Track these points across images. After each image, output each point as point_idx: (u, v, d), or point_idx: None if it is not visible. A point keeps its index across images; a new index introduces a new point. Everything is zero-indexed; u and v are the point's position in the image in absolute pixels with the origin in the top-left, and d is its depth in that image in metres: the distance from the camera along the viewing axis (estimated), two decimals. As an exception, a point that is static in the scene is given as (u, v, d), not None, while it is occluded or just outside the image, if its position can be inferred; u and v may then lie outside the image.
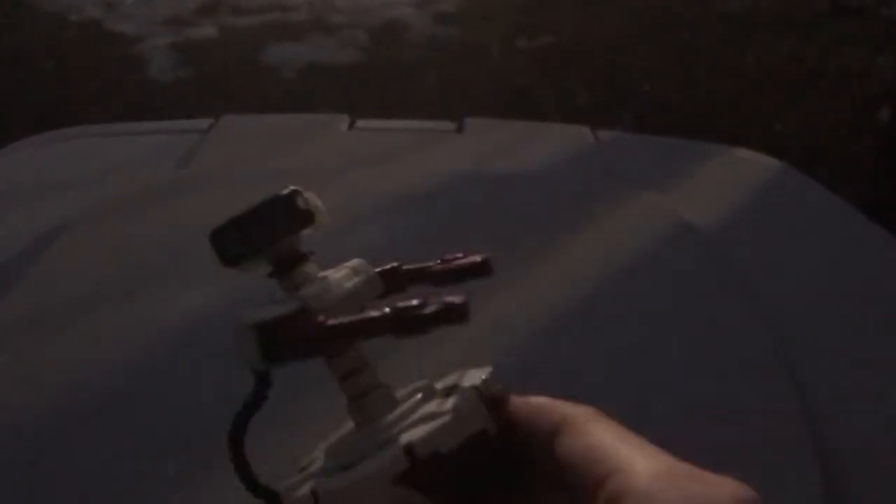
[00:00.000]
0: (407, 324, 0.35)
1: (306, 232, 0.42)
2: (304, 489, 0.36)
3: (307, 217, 0.40)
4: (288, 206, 0.40)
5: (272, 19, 6.13)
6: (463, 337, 0.71)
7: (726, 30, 5.96)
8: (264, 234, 0.40)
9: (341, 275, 0.42)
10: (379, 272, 0.43)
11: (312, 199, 0.41)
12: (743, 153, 1.59)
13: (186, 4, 6.16)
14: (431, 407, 0.37)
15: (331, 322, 0.36)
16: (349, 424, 0.39)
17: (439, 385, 0.39)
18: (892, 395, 1.03)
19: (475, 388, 0.36)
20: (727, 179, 1.47)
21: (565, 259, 1.20)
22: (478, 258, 0.42)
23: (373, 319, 0.36)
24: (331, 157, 1.51)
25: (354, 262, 0.43)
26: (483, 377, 0.37)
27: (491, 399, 0.36)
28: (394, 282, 0.43)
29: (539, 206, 1.32)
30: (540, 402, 0.36)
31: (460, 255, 0.43)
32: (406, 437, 0.35)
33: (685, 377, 0.98)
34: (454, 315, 0.35)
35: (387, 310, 0.36)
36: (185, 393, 0.94)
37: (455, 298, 0.36)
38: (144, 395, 0.94)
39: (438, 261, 0.43)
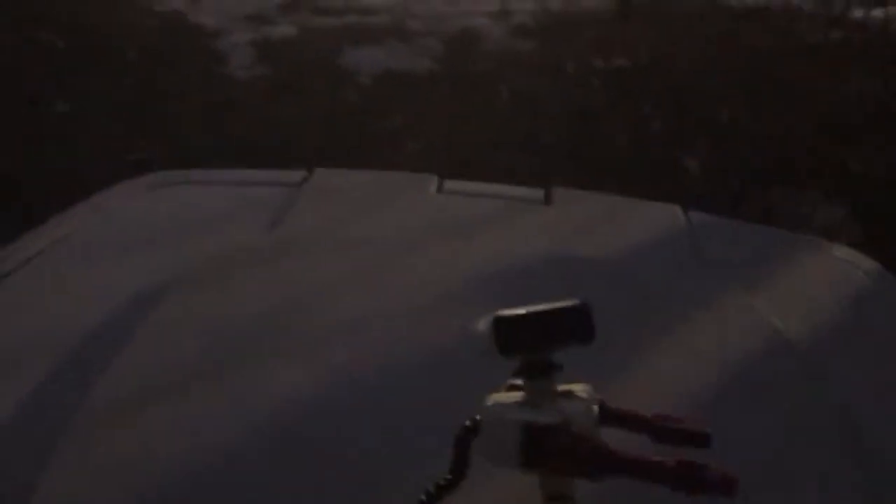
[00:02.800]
0: (687, 482, 0.37)
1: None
2: None
3: (591, 335, 0.42)
4: (584, 319, 0.42)
5: (351, 22, 6.17)
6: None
7: (807, 61, 5.81)
8: (557, 337, 0.41)
9: (584, 397, 0.44)
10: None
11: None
12: (841, 251, 1.55)
13: (269, 1, 6.23)
14: None
15: (612, 449, 0.38)
16: None
17: None
18: None
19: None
20: (822, 281, 1.43)
21: (649, 357, 1.18)
22: (700, 430, 0.43)
23: (659, 465, 0.38)
24: (418, 223, 1.51)
25: (583, 386, 0.45)
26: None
27: None
28: (605, 417, 0.44)
29: (624, 296, 1.30)
30: None
31: (677, 416, 0.45)
32: None
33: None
34: (728, 489, 0.37)
35: (671, 461, 0.38)
36: (278, 476, 0.95)
37: (732, 473, 0.38)
38: (237, 478, 0.95)
39: (650, 414, 0.45)
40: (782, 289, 1.38)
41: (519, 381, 0.44)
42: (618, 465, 0.38)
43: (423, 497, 0.41)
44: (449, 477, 0.41)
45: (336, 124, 4.73)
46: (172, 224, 1.43)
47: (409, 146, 4.67)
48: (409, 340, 1.18)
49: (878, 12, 6.35)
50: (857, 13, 6.40)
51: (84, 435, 1.02)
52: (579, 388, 0.43)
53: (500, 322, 0.40)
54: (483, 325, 0.41)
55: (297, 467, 0.96)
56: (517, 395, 0.41)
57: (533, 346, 0.40)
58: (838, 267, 1.47)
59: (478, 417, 0.42)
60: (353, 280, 1.31)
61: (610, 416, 0.43)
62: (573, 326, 0.41)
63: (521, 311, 0.40)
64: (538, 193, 1.64)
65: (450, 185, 1.65)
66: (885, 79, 5.49)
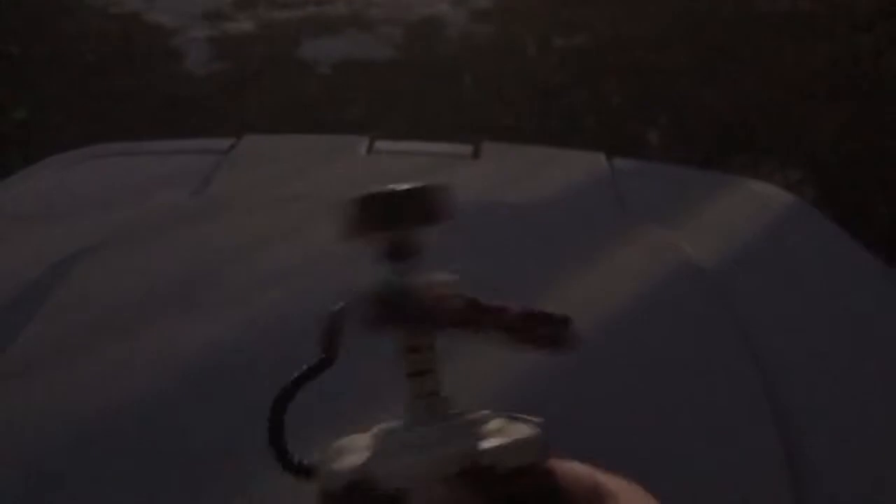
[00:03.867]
0: (519, 330, 0.38)
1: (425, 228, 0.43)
2: (351, 461, 0.37)
3: (448, 213, 0.42)
4: (438, 196, 0.42)
5: (310, 13, 6.16)
6: (457, 370, 0.74)
7: (765, 31, 5.87)
8: (415, 212, 0.41)
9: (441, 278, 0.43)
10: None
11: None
12: (759, 186, 1.59)
13: (225, -2, 6.22)
14: (493, 425, 0.38)
15: (455, 301, 0.39)
16: (396, 422, 0.40)
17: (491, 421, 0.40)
18: (885, 442, 1.03)
19: (537, 429, 0.38)
20: (739, 215, 1.46)
21: (565, 291, 1.21)
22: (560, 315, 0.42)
23: (501, 309, 0.39)
24: (346, 182, 1.53)
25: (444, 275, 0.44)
26: (535, 426, 0.38)
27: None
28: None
29: (545, 237, 1.33)
30: (579, 470, 0.37)
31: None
32: (474, 438, 0.36)
33: (673, 412, 0.99)
34: (559, 335, 0.38)
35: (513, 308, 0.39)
36: (194, 422, 0.97)
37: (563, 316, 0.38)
38: (154, 424, 0.97)
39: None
40: (699, 223, 1.41)
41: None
42: (457, 317, 0.38)
43: (294, 377, 0.41)
44: (322, 356, 0.41)
45: (295, 117, 4.73)
46: (98, 191, 1.44)
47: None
48: (334, 290, 1.20)
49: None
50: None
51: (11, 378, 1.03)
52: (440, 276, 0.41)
53: (364, 200, 0.41)
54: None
55: (223, 412, 0.98)
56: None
57: (385, 224, 0.40)
58: (756, 201, 1.51)
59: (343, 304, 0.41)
60: (278, 236, 1.34)
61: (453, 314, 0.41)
62: (425, 207, 0.41)
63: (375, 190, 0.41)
64: (467, 148, 1.67)
65: (380, 145, 1.67)
66: (852, 48, 5.56)
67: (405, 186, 0.42)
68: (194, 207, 1.38)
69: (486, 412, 0.40)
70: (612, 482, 0.36)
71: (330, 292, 1.09)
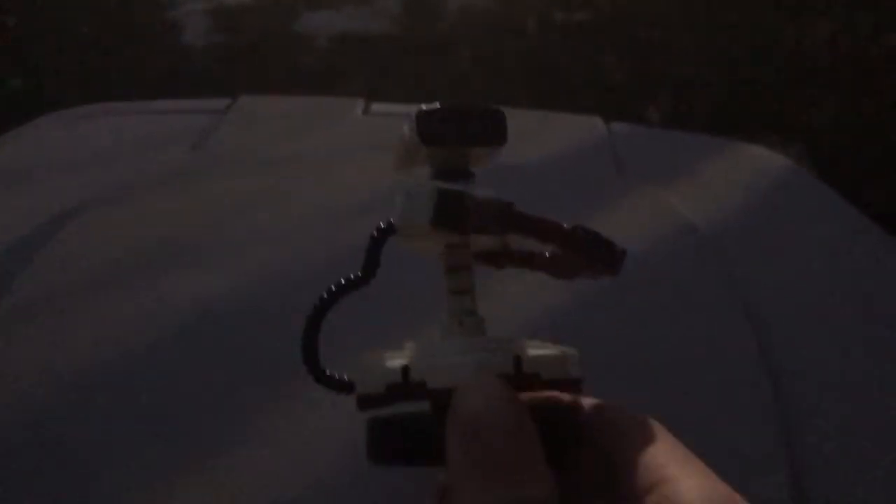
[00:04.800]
0: (581, 245, 0.38)
1: (490, 154, 0.43)
2: (393, 364, 0.35)
3: (504, 138, 0.41)
4: (499, 121, 0.41)
5: (308, -14, 6.12)
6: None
7: (766, 8, 5.84)
8: (479, 129, 0.40)
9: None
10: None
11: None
12: (756, 150, 1.59)
13: (224, -30, 6.17)
14: (535, 343, 0.38)
15: (517, 209, 0.39)
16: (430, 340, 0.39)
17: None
18: (881, 399, 1.04)
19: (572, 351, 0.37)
20: (735, 177, 1.47)
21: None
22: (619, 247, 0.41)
23: (557, 226, 0.39)
24: (342, 143, 1.53)
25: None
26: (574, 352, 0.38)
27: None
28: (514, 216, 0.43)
29: (541, 198, 1.34)
30: (598, 404, 0.36)
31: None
32: (517, 348, 0.36)
33: (663, 366, 1.00)
34: (615, 263, 0.38)
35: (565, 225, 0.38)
36: (191, 375, 0.97)
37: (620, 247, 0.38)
38: (151, 377, 0.98)
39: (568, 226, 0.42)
40: (695, 184, 1.41)
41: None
42: (520, 221, 0.38)
43: (329, 290, 0.38)
44: (359, 274, 0.38)
45: (293, 89, 4.72)
46: (94, 150, 1.44)
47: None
48: (329, 245, 1.20)
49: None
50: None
51: (5, 332, 1.04)
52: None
53: (422, 113, 0.39)
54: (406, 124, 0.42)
55: (216, 362, 0.99)
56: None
57: (451, 139, 0.39)
58: (751, 163, 1.51)
59: (391, 219, 0.39)
60: (273, 193, 1.34)
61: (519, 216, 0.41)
62: (489, 127, 0.40)
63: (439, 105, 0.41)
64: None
65: (377, 107, 1.67)
66: (853, 25, 5.53)
67: (468, 106, 0.41)
68: (193, 163, 1.38)
69: (521, 336, 0.39)
70: (629, 415, 0.35)
71: (324, 248, 1.10)
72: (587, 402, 0.36)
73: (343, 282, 0.39)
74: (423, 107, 0.39)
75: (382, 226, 0.40)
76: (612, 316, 1.09)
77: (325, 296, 0.39)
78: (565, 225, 0.39)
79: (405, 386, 0.34)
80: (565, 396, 0.36)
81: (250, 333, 1.03)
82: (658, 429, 0.35)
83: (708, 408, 0.98)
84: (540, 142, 1.56)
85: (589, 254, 0.39)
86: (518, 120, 1.73)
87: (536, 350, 0.36)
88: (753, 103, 4.91)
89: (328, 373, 0.38)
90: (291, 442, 0.85)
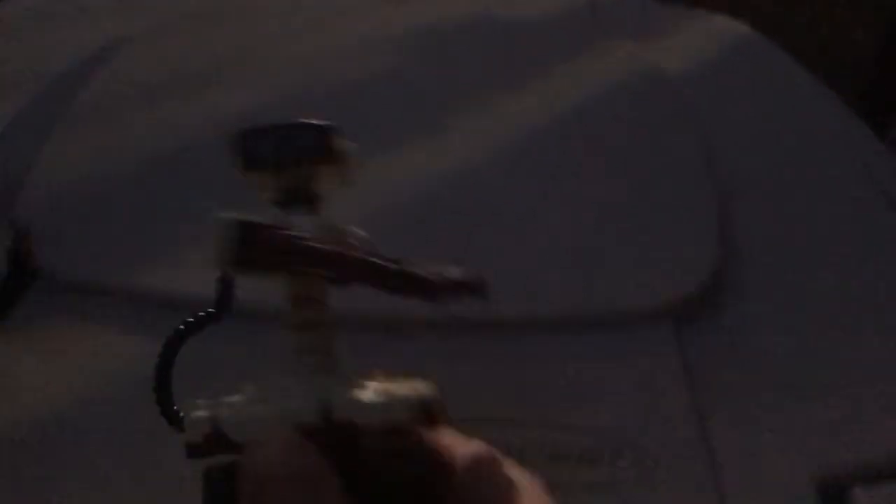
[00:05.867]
0: (386, 278, 0.34)
1: (329, 173, 0.38)
2: (206, 413, 0.34)
3: (338, 159, 0.38)
4: (324, 135, 0.38)
5: None
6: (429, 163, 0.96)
7: None
8: (300, 148, 0.37)
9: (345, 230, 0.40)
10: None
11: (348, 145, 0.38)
12: (720, 19, 1.80)
13: None
14: (373, 385, 0.35)
15: (312, 243, 0.35)
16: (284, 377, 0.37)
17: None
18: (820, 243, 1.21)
19: (424, 393, 0.35)
20: (699, 39, 1.68)
21: (534, 95, 1.42)
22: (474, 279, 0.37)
23: (358, 258, 0.35)
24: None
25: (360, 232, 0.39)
26: (433, 393, 0.36)
27: (430, 414, 0.35)
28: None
29: (522, 48, 1.55)
30: (477, 447, 0.34)
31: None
32: (328, 394, 0.34)
33: (624, 194, 1.21)
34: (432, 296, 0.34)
35: (376, 259, 0.35)
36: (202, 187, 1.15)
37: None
38: (196, 175, 1.18)
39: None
40: (667, 45, 1.63)
41: None
42: (317, 254, 0.34)
43: (179, 327, 0.37)
44: (211, 310, 0.37)
45: None
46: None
47: None
48: (353, 73, 1.42)
49: None
50: None
51: (70, 133, 1.26)
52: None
53: (243, 136, 0.37)
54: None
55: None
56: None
57: (271, 160, 0.37)
58: (717, 29, 1.73)
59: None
60: (305, 27, 1.57)
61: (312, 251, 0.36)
62: (310, 142, 0.38)
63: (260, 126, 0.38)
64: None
65: None
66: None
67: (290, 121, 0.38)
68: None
69: (378, 372, 0.37)
70: (514, 471, 0.33)
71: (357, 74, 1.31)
72: (466, 450, 0.33)
73: (193, 319, 0.37)
74: (240, 129, 0.37)
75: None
76: (581, 147, 1.31)
77: (175, 334, 0.37)
78: (378, 260, 0.35)
79: (218, 436, 0.33)
80: (412, 439, 0.34)
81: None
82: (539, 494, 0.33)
83: (651, 228, 1.17)
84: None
85: (396, 292, 0.35)
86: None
87: (361, 394, 0.34)
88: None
89: (181, 414, 0.36)
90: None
